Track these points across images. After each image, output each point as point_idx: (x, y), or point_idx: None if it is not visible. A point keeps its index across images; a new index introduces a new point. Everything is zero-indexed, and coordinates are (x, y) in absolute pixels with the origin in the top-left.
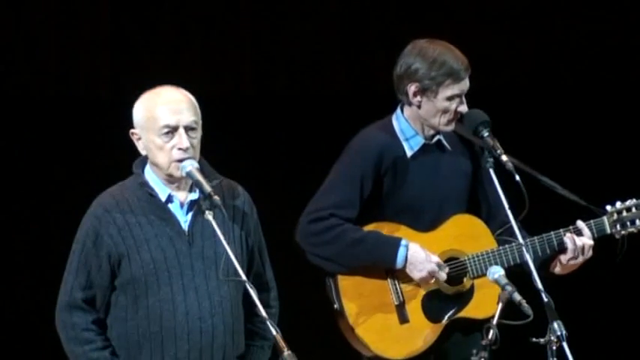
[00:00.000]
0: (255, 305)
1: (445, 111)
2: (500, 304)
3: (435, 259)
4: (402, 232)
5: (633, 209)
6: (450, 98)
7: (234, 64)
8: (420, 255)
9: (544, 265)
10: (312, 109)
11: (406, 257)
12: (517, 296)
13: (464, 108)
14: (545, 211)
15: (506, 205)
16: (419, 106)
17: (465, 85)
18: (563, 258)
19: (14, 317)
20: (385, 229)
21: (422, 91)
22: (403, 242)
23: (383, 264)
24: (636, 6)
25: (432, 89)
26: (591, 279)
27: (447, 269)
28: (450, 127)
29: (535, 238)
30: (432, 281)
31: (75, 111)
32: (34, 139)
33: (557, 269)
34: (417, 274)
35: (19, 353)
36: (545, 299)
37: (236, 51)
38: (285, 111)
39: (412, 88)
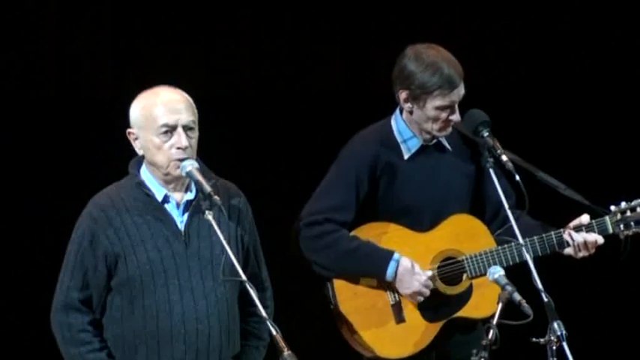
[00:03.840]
0: (254, 305)
1: (436, 119)
2: (500, 304)
3: (424, 278)
4: (399, 232)
5: (638, 209)
6: (438, 108)
7: (233, 63)
8: (409, 271)
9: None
10: (311, 108)
11: (396, 272)
12: (517, 296)
13: (455, 117)
14: (547, 211)
15: (506, 206)
16: (410, 112)
17: (457, 95)
18: (566, 252)
19: (10, 318)
20: (382, 229)
21: (412, 99)
22: (395, 257)
23: (373, 276)
24: (636, 5)
25: (422, 98)
26: (592, 279)
27: (427, 291)
28: (445, 133)
29: (535, 237)
30: (419, 299)
31: (75, 111)
32: (34, 139)
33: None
34: (404, 290)
35: (15, 354)
36: (545, 299)
37: (235, 50)
38: (284, 110)
39: (403, 95)
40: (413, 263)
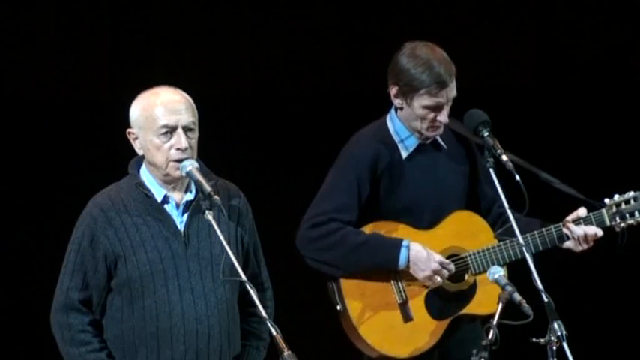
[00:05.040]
0: (254, 305)
1: (423, 118)
2: (500, 304)
3: (438, 257)
4: (402, 230)
5: (632, 202)
6: (425, 107)
7: (233, 63)
8: (422, 254)
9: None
10: (311, 108)
11: (408, 257)
12: (517, 296)
13: (443, 118)
14: (545, 208)
15: (506, 205)
16: (401, 108)
17: (444, 96)
18: (566, 246)
19: (10, 318)
20: (385, 228)
21: (401, 94)
22: (404, 243)
23: (386, 266)
24: (636, 6)
25: (409, 95)
26: (591, 278)
27: (452, 265)
28: (434, 134)
29: (535, 232)
30: (437, 279)
31: (75, 111)
32: (34, 140)
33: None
34: (420, 273)
35: (15, 354)
36: (545, 299)
37: (235, 50)
38: (283, 110)
39: (393, 90)
40: (423, 246)
